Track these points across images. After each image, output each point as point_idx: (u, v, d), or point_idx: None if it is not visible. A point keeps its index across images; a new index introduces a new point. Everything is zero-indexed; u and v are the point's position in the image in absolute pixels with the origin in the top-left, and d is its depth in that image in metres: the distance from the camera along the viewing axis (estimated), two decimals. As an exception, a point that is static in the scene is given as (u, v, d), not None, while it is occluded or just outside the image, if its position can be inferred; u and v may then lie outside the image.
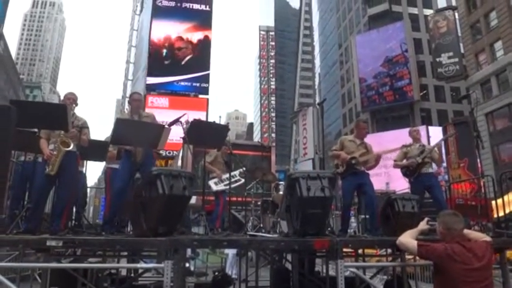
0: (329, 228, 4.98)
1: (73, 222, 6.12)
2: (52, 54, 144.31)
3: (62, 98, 5.37)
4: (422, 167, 6.08)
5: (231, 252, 9.61)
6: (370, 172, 5.91)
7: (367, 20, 44.38)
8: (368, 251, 6.50)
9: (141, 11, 45.68)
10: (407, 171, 6.23)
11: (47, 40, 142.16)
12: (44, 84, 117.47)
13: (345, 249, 4.65)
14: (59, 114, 4.72)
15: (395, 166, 6.45)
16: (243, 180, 7.34)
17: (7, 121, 3.83)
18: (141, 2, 47.21)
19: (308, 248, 4.27)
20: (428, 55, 38.52)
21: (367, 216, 6.10)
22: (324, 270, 6.11)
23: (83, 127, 5.09)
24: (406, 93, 37.90)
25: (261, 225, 7.77)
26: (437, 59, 34.88)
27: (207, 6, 35.83)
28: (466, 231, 3.44)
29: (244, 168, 7.39)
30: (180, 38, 34.36)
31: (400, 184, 11.21)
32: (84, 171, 6.62)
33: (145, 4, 41.58)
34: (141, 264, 4.80)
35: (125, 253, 5.47)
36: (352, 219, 7.01)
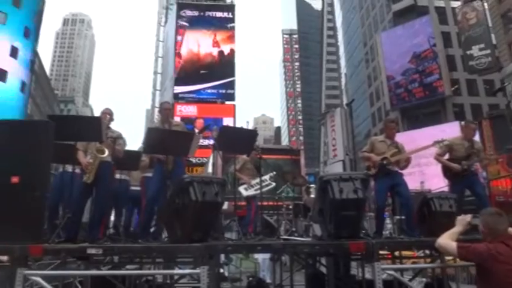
0: (363, 231, 4.90)
1: (110, 230, 6.30)
2: (83, 69, 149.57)
3: (94, 110, 5.58)
4: (465, 171, 5.68)
5: (261, 256, 9.59)
6: (403, 171, 5.75)
7: (391, 17, 43.59)
8: (405, 253, 6.33)
9: (165, 22, 46.72)
10: (448, 172, 5.84)
11: (78, 56, 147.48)
12: (77, 98, 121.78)
13: (380, 252, 4.56)
14: (94, 126, 4.91)
15: (437, 159, 5.98)
16: (273, 184, 7.34)
17: (46, 135, 4.01)
18: (165, 14, 48.30)
19: (343, 251, 4.22)
20: (458, 48, 37.34)
21: (403, 217, 5.95)
22: (360, 274, 6.00)
23: (118, 138, 5.26)
24: (437, 88, 36.88)
25: (294, 229, 7.72)
26: (468, 52, 33.73)
27: (230, 13, 36.26)
28: (509, 229, 3.30)
29: (274, 172, 7.39)
30: (205, 46, 34.91)
31: (436, 183, 10.89)
32: (128, 179, 6.79)
33: (170, 15, 42.53)
34: (178, 271, 4.87)
35: (160, 260, 5.57)
36: (387, 221, 6.83)
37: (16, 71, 29.55)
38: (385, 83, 41.17)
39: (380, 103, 45.06)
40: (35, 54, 34.63)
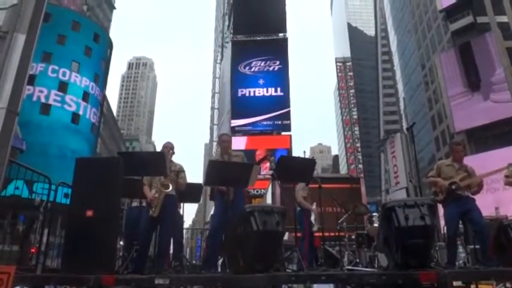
0: (433, 260, 4.61)
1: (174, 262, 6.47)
2: (146, 109, 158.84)
3: (156, 147, 5.90)
4: None
5: (319, 288, 9.24)
6: (474, 196, 5.38)
7: (449, 36, 42.05)
8: (482, 287, 5.82)
9: (221, 59, 48.89)
10: None
11: (141, 97, 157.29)
12: (140, 136, 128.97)
13: (454, 283, 4.25)
14: (158, 161, 5.19)
15: (508, 183, 5.54)
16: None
17: (117, 171, 4.30)
18: (221, 51, 50.62)
19: (413, 281, 3.98)
20: (527, 64, 34.96)
21: (477, 246, 5.52)
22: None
23: (180, 171, 5.49)
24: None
25: (357, 260, 7.44)
26: (539, 67, 31.46)
27: (283, 47, 37.17)
28: None
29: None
30: (259, 78, 35.88)
31: (512, 208, 10.04)
32: (182, 213, 7.02)
33: (225, 53, 44.47)
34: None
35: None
36: (460, 249, 6.35)
37: (87, 114, 32.19)
38: (448, 105, 39.27)
39: (443, 126, 42.89)
40: (103, 97, 37.53)
